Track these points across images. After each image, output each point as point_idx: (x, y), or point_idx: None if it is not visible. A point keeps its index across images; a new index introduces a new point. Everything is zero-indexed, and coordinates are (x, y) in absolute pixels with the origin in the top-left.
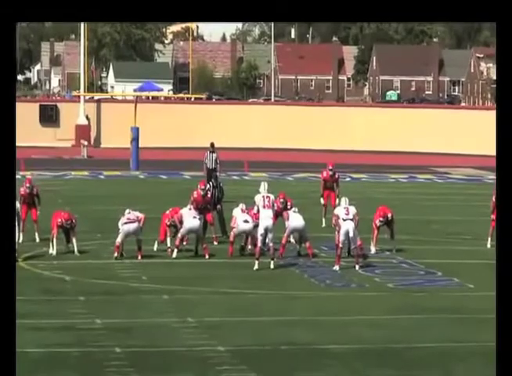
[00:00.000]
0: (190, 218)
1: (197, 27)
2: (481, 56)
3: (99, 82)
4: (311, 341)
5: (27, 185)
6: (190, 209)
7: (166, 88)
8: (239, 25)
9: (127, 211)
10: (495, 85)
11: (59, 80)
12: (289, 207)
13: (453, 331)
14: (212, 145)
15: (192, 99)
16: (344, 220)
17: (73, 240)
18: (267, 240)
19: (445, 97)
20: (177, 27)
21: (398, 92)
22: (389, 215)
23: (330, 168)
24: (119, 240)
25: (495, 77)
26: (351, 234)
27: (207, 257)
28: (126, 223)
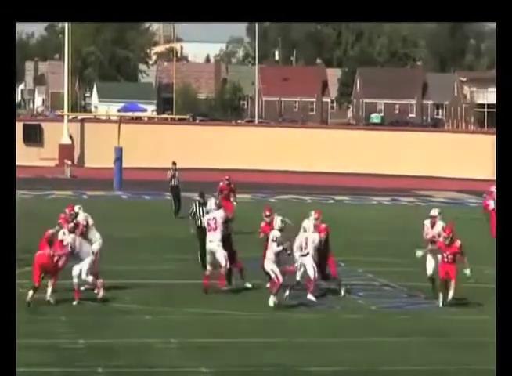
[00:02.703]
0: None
1: (181, 47)
2: (465, 79)
3: (83, 102)
4: (294, 363)
5: None
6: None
7: (150, 109)
8: (223, 46)
9: None
10: (478, 109)
11: (43, 99)
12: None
13: (437, 354)
14: (174, 163)
15: (176, 120)
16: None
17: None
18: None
19: (429, 120)
20: (161, 48)
21: (382, 114)
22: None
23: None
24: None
25: (478, 101)
26: None
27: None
28: None
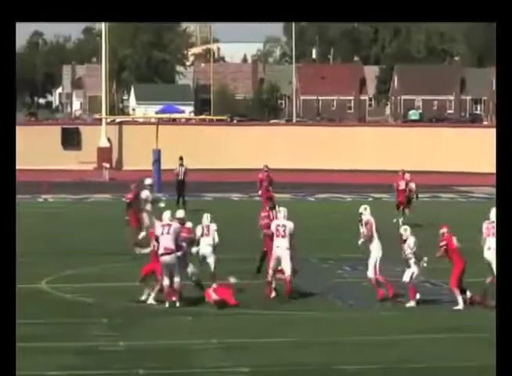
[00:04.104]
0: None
1: (218, 48)
2: None
3: (121, 105)
4: (330, 362)
5: None
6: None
7: (187, 110)
8: (260, 46)
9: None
10: None
11: (81, 103)
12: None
13: (475, 351)
14: (181, 158)
15: (214, 121)
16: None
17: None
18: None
19: (467, 116)
20: (198, 49)
21: (420, 111)
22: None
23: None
24: None
25: None
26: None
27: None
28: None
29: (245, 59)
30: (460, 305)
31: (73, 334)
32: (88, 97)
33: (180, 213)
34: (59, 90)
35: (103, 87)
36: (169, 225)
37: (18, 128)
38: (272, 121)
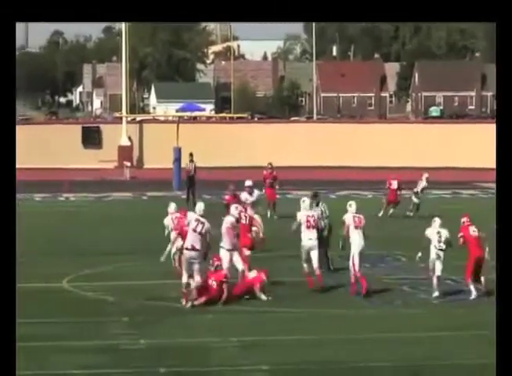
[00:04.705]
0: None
1: (238, 46)
2: None
3: (141, 103)
4: (353, 359)
5: None
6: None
7: (208, 108)
8: (281, 43)
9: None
10: None
11: (101, 101)
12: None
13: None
14: (191, 154)
15: (235, 119)
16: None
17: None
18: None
19: (488, 112)
20: (218, 47)
21: (441, 107)
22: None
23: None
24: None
25: None
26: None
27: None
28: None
29: (265, 57)
30: (473, 295)
31: (95, 332)
32: (109, 96)
33: (200, 207)
34: (80, 89)
35: (124, 85)
36: (203, 223)
37: (39, 127)
38: (292, 119)
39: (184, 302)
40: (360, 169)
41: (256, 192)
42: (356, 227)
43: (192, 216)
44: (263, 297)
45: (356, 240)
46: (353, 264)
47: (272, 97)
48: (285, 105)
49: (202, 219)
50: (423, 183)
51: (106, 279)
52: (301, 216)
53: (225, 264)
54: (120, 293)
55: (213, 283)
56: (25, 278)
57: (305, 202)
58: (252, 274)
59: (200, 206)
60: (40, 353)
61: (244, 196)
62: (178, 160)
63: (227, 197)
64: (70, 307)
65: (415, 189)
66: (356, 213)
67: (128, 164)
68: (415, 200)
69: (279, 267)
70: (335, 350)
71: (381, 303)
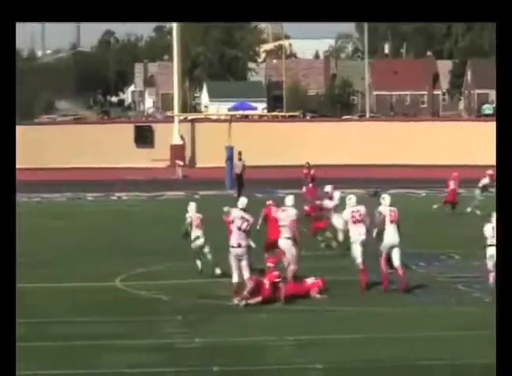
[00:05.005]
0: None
1: (290, 44)
2: None
3: (193, 102)
4: (407, 357)
5: None
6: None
7: (260, 107)
8: (332, 42)
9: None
10: None
11: (153, 101)
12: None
13: None
14: (240, 153)
15: (287, 117)
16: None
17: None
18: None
19: None
20: (270, 46)
21: (494, 105)
22: None
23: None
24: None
25: None
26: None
27: None
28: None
29: (317, 56)
30: None
31: (148, 331)
32: (161, 95)
33: (242, 202)
34: (132, 88)
35: (175, 84)
36: (247, 220)
37: (91, 127)
38: (344, 117)
39: (236, 301)
40: (413, 167)
41: (336, 195)
42: (391, 221)
43: (236, 214)
44: (318, 296)
45: (390, 235)
46: (383, 259)
47: (323, 96)
48: (337, 103)
49: (246, 216)
50: (485, 180)
51: (159, 278)
52: (347, 213)
53: (288, 255)
54: (173, 292)
55: (266, 282)
56: (79, 277)
57: (351, 199)
58: (309, 281)
59: (242, 201)
60: (94, 352)
61: (325, 203)
62: (230, 158)
63: (307, 207)
64: (123, 306)
65: (479, 184)
66: (390, 207)
67: (181, 163)
68: (479, 196)
69: (334, 266)
70: (387, 348)
71: (435, 301)
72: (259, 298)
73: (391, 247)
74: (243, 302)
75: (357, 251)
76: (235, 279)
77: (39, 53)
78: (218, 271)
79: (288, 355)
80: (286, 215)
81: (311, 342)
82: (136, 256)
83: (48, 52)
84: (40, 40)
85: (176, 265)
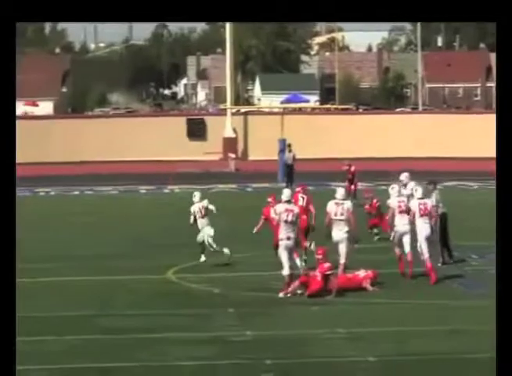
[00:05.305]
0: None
1: (343, 37)
2: None
3: (246, 95)
4: (459, 350)
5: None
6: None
7: (312, 100)
8: (385, 34)
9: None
10: None
11: (206, 93)
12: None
13: None
14: (289, 145)
15: (340, 110)
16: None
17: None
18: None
19: None
20: (322, 38)
21: None
22: None
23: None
24: None
25: None
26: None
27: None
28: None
29: (370, 48)
30: None
31: (201, 324)
32: (213, 88)
33: (286, 193)
34: (184, 81)
35: (228, 77)
36: (292, 211)
37: (144, 120)
38: (397, 110)
39: (285, 293)
40: (466, 160)
41: (409, 185)
42: (422, 215)
43: (281, 207)
44: (370, 288)
45: (422, 228)
46: (421, 253)
47: (376, 88)
48: (390, 96)
49: (290, 207)
50: None
51: (211, 270)
52: (393, 203)
53: (342, 248)
54: (224, 284)
55: (317, 275)
56: (132, 270)
57: (394, 189)
58: (361, 273)
59: (286, 193)
60: (147, 345)
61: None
62: (282, 151)
63: (367, 206)
64: (175, 299)
65: None
66: (421, 199)
67: (233, 155)
68: None
69: (386, 258)
70: (441, 341)
71: (486, 294)
72: (308, 291)
73: (426, 240)
74: (297, 293)
75: (397, 240)
76: (286, 271)
77: (92, 46)
78: (226, 250)
79: (340, 347)
80: (343, 208)
81: (363, 335)
82: (188, 248)
83: (101, 45)
84: (93, 33)
85: (232, 258)
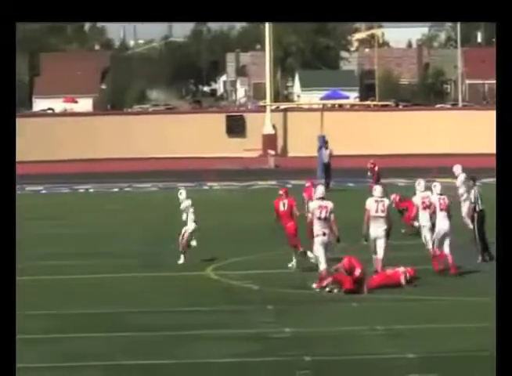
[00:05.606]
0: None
1: (383, 33)
2: None
3: (285, 91)
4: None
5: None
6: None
7: (352, 96)
8: (425, 30)
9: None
10: None
11: (245, 90)
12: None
13: None
14: (326, 142)
15: (379, 106)
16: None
17: None
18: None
19: None
20: (362, 35)
21: None
22: None
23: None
24: None
25: None
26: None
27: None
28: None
29: (409, 44)
30: None
31: (240, 320)
32: (253, 84)
33: (320, 190)
34: (224, 78)
35: (267, 74)
36: (326, 207)
37: (184, 117)
38: (437, 106)
39: (319, 286)
40: None
41: (460, 177)
42: (441, 210)
43: (315, 204)
44: (408, 285)
45: (441, 222)
46: (438, 246)
47: (416, 84)
48: (429, 92)
49: (324, 203)
50: None
51: (250, 267)
52: (417, 199)
53: (380, 245)
54: (263, 281)
55: (349, 278)
56: (171, 266)
57: (420, 184)
58: (399, 270)
59: (320, 189)
60: (186, 342)
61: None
62: (322, 148)
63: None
64: (215, 295)
65: None
66: (441, 195)
67: (273, 152)
68: None
69: (422, 255)
70: (482, 339)
71: None
72: (343, 288)
73: (444, 235)
74: (335, 290)
75: (427, 237)
76: (323, 266)
77: (131, 43)
78: (193, 243)
79: (379, 344)
80: (383, 205)
81: (402, 332)
82: (227, 245)
83: (141, 41)
84: (132, 29)
85: (266, 255)
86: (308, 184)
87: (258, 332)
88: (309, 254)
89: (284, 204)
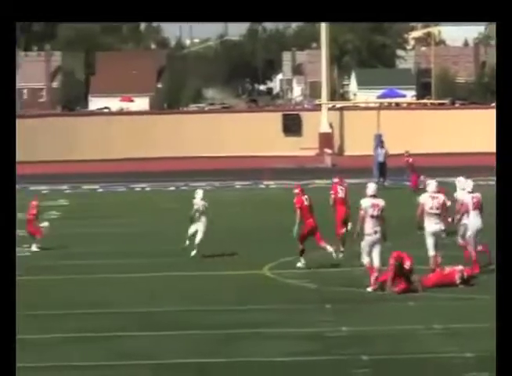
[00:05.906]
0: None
1: (439, 31)
2: None
3: (342, 90)
4: None
5: None
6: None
7: (409, 95)
8: (482, 29)
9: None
10: None
11: (302, 89)
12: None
13: None
14: (382, 141)
15: (436, 105)
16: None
17: None
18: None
19: None
20: (418, 33)
21: None
22: None
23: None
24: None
25: None
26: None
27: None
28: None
29: (466, 43)
30: None
31: (298, 319)
32: (309, 83)
33: (372, 187)
34: (280, 76)
35: (324, 72)
36: (377, 205)
37: (240, 115)
38: (493, 105)
39: (374, 289)
40: None
41: None
42: (474, 208)
43: (367, 202)
44: (464, 284)
45: (472, 221)
46: (470, 244)
47: (473, 83)
48: (486, 91)
49: (376, 201)
50: None
51: (308, 266)
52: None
53: (437, 242)
54: (320, 280)
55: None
56: (228, 265)
57: (460, 181)
58: (456, 269)
59: (371, 187)
60: (242, 340)
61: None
62: (378, 146)
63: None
64: (272, 294)
65: None
66: (472, 193)
67: (329, 151)
68: None
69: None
70: None
71: None
72: (398, 288)
73: (478, 232)
74: (387, 289)
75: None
76: (368, 265)
77: (187, 42)
78: (329, 248)
79: (436, 343)
80: (438, 202)
81: (459, 331)
82: (283, 244)
83: (196, 40)
84: (188, 28)
85: (322, 253)
86: (336, 180)
87: (316, 331)
88: (329, 248)
89: (307, 199)
